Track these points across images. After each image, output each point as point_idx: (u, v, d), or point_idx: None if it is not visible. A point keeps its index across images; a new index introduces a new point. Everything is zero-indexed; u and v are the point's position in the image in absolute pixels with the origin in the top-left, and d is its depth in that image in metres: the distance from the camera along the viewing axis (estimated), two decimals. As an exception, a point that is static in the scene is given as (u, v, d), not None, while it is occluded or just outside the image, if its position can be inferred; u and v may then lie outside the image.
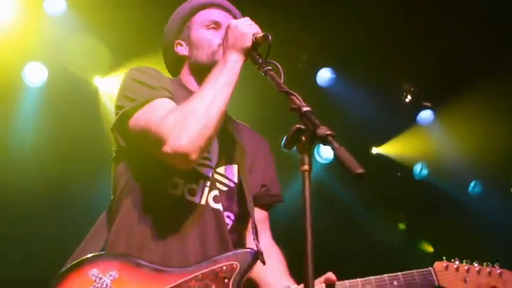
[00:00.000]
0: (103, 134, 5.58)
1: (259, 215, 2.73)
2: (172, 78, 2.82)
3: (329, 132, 1.77)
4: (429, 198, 6.82)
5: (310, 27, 5.93)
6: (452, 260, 2.56)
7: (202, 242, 2.40)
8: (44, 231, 5.45)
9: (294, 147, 1.87)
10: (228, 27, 2.51)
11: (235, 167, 2.62)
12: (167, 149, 2.29)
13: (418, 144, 6.85)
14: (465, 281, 2.53)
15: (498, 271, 2.53)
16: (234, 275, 2.32)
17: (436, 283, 2.50)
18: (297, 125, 1.86)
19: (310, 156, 1.82)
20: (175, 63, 2.84)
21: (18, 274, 5.31)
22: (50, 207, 5.53)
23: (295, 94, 2.03)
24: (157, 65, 2.97)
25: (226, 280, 2.30)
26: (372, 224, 6.59)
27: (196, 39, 2.74)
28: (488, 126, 6.32)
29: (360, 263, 5.60)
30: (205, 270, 2.31)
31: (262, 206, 2.77)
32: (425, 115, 6.79)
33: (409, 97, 6.71)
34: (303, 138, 1.84)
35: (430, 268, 2.53)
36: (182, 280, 2.29)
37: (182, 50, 2.79)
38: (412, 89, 6.69)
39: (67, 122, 5.56)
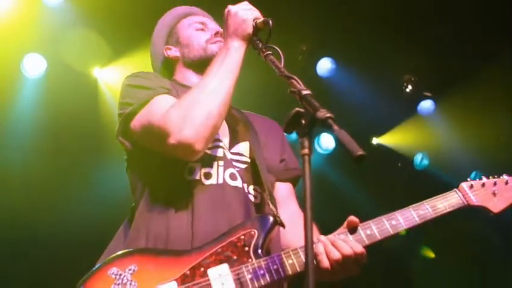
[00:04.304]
0: (102, 125, 5.57)
1: (284, 190, 2.70)
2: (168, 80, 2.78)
3: (329, 114, 1.74)
4: (429, 188, 6.78)
5: (310, 17, 5.90)
6: (478, 179, 2.50)
7: (230, 221, 2.36)
8: (44, 223, 5.44)
9: (294, 131, 1.85)
10: (228, 13, 2.47)
11: (247, 143, 2.60)
12: (171, 140, 2.26)
13: (419, 134, 6.83)
14: (494, 194, 2.48)
15: None
16: (254, 242, 2.27)
17: (464, 203, 2.45)
18: (297, 108, 1.83)
19: (310, 139, 1.79)
20: (166, 68, 2.83)
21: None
22: (49, 199, 5.51)
23: (296, 78, 2.00)
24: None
25: (246, 248, 2.26)
26: (372, 213, 6.56)
27: (185, 39, 2.78)
28: (489, 116, 6.29)
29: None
30: (224, 243, 2.28)
31: (285, 181, 2.73)
32: (426, 105, 6.78)
33: (410, 87, 6.68)
34: (303, 121, 1.81)
35: (454, 189, 2.48)
36: (202, 258, 2.25)
37: (172, 52, 2.80)
38: (413, 79, 6.66)
39: (65, 113, 5.53)
